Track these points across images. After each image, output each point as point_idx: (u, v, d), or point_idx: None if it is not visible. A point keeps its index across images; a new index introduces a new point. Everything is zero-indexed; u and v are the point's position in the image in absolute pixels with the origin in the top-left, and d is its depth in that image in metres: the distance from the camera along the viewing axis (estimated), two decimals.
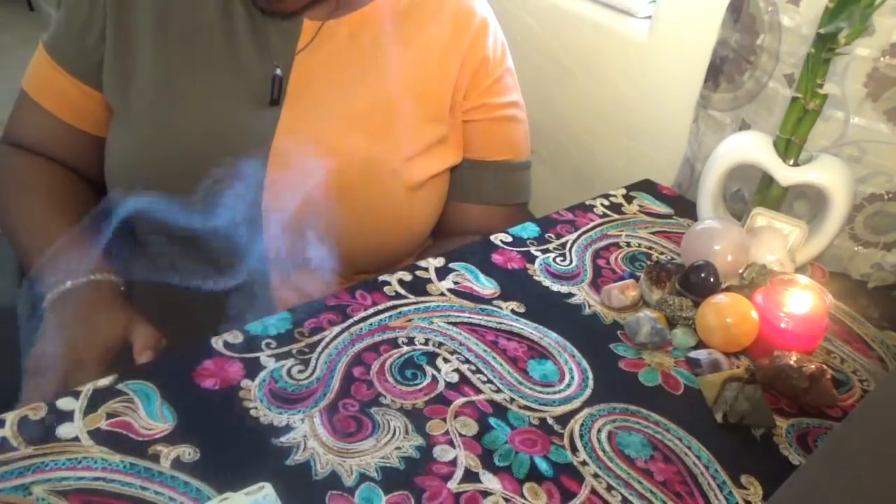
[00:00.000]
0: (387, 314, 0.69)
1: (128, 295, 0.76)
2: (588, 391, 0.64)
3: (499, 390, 0.63)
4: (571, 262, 0.81)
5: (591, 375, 0.66)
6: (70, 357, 0.66)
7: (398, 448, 0.56)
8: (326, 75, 0.78)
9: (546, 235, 0.85)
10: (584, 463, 0.57)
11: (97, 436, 0.54)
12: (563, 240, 0.85)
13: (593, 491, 0.55)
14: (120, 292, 0.74)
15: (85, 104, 0.80)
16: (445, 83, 0.82)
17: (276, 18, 0.77)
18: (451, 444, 0.57)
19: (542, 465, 0.57)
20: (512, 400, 0.62)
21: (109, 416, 0.55)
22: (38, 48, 0.80)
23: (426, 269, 0.76)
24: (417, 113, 0.80)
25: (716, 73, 0.95)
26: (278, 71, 0.76)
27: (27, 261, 0.77)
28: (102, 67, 0.77)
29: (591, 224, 0.89)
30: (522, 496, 0.54)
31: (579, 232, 0.87)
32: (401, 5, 0.81)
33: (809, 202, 0.88)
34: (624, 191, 0.98)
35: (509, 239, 0.83)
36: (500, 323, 0.70)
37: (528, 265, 0.79)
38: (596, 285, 0.78)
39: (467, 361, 0.65)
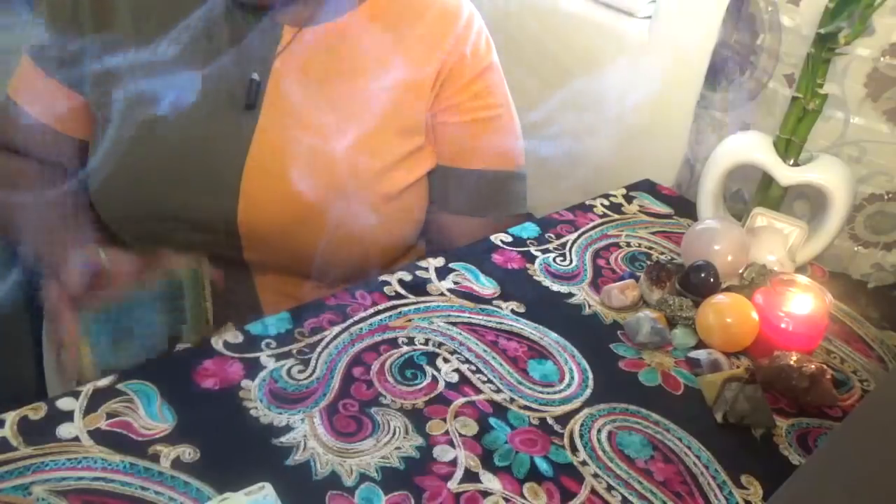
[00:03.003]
0: (387, 314, 0.69)
1: None
2: (588, 391, 0.64)
3: (499, 390, 0.63)
4: (571, 262, 0.81)
5: (591, 375, 0.66)
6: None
7: (398, 448, 0.56)
8: (304, 83, 0.76)
9: (546, 235, 0.85)
10: (584, 463, 0.57)
11: (97, 436, 0.54)
12: (563, 240, 0.85)
13: (593, 491, 0.55)
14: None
15: (69, 109, 0.79)
16: (423, 92, 0.80)
17: (255, 22, 0.75)
18: (451, 444, 0.57)
19: (542, 465, 0.57)
20: (512, 400, 0.62)
21: (109, 416, 0.55)
22: (22, 51, 0.79)
23: (426, 269, 0.76)
24: (395, 125, 0.79)
25: (716, 73, 0.95)
26: (255, 75, 0.75)
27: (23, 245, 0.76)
28: (84, 73, 0.76)
29: (591, 224, 0.89)
30: (522, 496, 0.54)
31: (579, 232, 0.87)
32: (383, 13, 0.79)
33: (809, 202, 0.88)
34: (624, 191, 0.98)
35: (509, 239, 0.83)
36: (500, 323, 0.70)
37: (528, 265, 0.79)
38: (596, 285, 0.78)
39: (467, 361, 0.65)
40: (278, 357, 0.63)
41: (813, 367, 0.64)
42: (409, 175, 0.80)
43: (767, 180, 0.83)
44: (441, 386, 0.62)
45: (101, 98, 0.76)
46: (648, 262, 0.83)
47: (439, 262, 0.77)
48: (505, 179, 0.87)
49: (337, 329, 0.66)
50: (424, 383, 0.62)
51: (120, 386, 0.58)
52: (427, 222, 0.88)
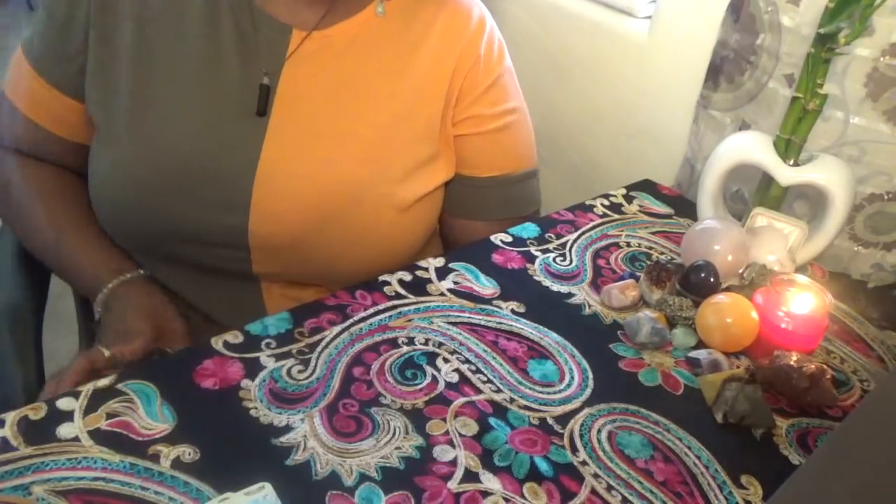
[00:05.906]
0: (387, 314, 0.69)
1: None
2: (588, 391, 0.64)
3: (499, 390, 0.63)
4: (571, 262, 0.81)
5: (591, 375, 0.66)
6: (155, 325, 0.72)
7: (398, 448, 0.56)
8: (315, 88, 0.75)
9: (546, 235, 0.85)
10: (584, 463, 0.57)
11: (97, 436, 0.54)
12: (563, 240, 0.85)
13: (593, 491, 0.55)
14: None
15: (64, 113, 0.76)
16: (436, 98, 0.79)
17: (262, 26, 0.74)
18: (451, 444, 0.57)
19: (542, 465, 0.57)
20: (512, 400, 0.62)
21: (109, 416, 0.55)
22: (17, 51, 0.76)
23: (426, 269, 0.76)
24: (408, 132, 0.77)
25: (716, 73, 0.95)
26: (266, 80, 0.73)
27: (58, 265, 0.78)
28: (83, 78, 0.74)
29: (591, 224, 0.89)
30: (522, 496, 0.54)
31: (579, 232, 0.87)
32: (393, 17, 0.78)
33: (809, 202, 0.88)
34: (624, 191, 0.98)
35: (509, 239, 0.83)
36: (500, 323, 0.70)
37: (528, 265, 0.79)
38: (596, 285, 0.78)
39: (467, 361, 0.65)
40: (278, 357, 0.63)
41: (813, 367, 0.65)
42: (422, 187, 0.79)
43: (767, 180, 0.83)
44: (441, 386, 0.62)
45: (102, 109, 0.74)
46: (648, 262, 0.83)
47: (439, 262, 0.77)
48: (523, 180, 0.87)
49: (337, 329, 0.66)
50: (424, 383, 0.62)
51: (120, 386, 0.58)
52: (453, 232, 0.87)
